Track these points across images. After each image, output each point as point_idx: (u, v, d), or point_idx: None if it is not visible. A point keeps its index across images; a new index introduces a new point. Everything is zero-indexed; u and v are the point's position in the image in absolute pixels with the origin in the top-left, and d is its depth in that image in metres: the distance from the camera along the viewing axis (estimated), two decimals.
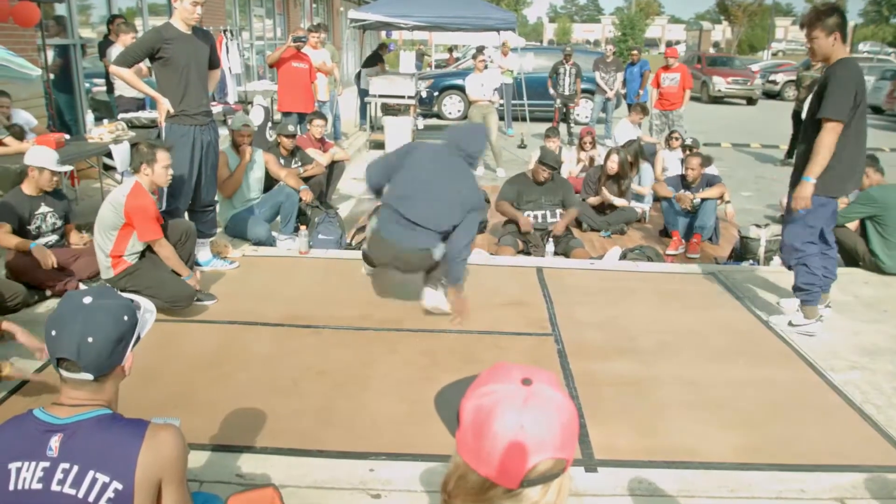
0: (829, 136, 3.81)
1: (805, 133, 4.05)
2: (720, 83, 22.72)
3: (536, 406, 1.08)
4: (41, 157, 4.43)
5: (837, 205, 4.22)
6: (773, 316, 4.41)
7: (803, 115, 10.85)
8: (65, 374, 1.62)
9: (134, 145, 4.55)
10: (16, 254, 4.27)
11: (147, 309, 1.79)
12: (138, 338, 1.71)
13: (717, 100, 22.57)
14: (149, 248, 4.13)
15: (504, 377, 1.12)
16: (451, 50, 26.46)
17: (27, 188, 4.45)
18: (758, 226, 6.05)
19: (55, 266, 4.24)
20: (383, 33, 20.76)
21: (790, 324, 4.22)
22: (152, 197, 4.17)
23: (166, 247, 4.11)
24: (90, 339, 1.57)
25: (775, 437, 3.06)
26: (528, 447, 1.06)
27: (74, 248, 4.72)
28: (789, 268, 4.26)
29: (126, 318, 1.65)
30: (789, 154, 11.42)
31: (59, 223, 4.58)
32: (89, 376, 1.61)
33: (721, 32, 64.55)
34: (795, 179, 4.05)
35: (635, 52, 12.55)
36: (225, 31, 10.88)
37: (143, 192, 4.06)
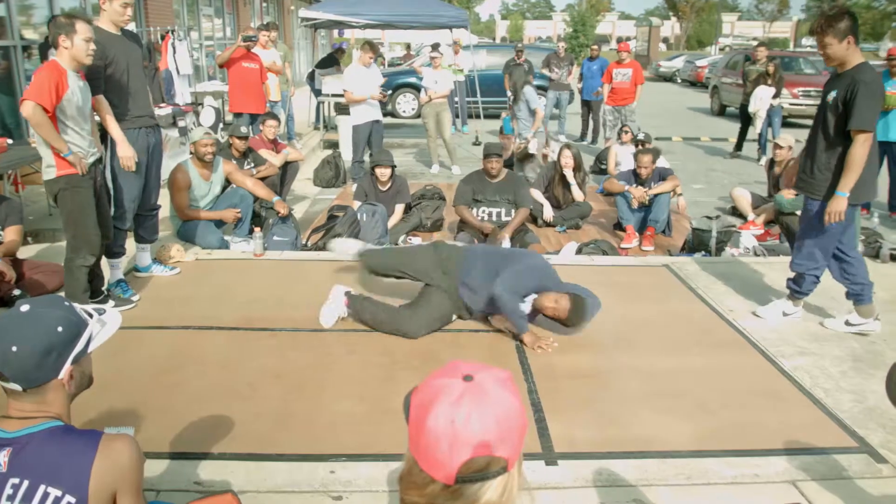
0: (862, 149, 3.73)
1: (818, 142, 3.92)
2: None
3: (470, 402, 1.06)
4: None
5: (857, 211, 4.13)
6: (761, 308, 4.39)
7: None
8: (2, 383, 1.57)
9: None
10: None
11: (103, 320, 1.72)
12: (83, 351, 1.64)
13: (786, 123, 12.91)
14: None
15: (449, 373, 1.11)
16: (408, 47, 26.55)
17: None
18: (709, 217, 6.18)
19: (12, 280, 4.14)
20: (335, 32, 20.60)
21: (847, 323, 4.17)
22: (68, 76, 3.67)
23: (31, 113, 3.55)
24: (14, 349, 1.53)
25: (730, 424, 3.13)
26: (458, 443, 1.04)
27: (33, 262, 4.60)
28: (794, 269, 4.20)
29: (60, 329, 1.58)
30: (738, 147, 11.68)
31: (2, 235, 4.44)
32: (18, 387, 1.56)
33: (670, 28, 65.77)
34: (808, 186, 4.00)
35: (595, 47, 12.62)
36: (172, 31, 10.66)
37: (52, 66, 3.62)
